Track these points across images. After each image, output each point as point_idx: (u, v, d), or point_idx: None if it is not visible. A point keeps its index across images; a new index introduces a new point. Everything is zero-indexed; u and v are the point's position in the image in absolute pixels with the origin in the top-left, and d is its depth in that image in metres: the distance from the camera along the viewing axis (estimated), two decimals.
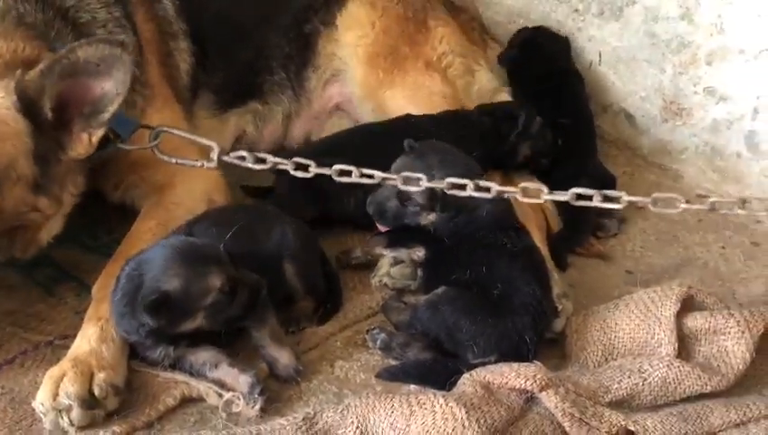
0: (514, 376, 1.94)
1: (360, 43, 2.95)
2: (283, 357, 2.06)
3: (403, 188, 2.14)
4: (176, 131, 2.30)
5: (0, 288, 2.33)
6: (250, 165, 2.23)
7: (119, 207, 2.60)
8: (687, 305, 2.16)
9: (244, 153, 2.25)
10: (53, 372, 1.88)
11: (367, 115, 3.01)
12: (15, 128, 2.05)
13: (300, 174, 2.13)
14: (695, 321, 2.12)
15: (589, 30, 3.27)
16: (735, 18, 2.85)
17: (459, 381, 1.99)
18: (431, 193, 2.15)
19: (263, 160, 2.22)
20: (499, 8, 3.51)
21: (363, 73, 2.97)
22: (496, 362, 2.02)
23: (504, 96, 3.14)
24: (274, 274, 2.22)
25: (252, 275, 2.01)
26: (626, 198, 2.02)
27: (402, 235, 2.31)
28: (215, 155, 2.25)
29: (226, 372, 1.99)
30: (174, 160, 2.30)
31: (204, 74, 2.84)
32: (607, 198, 2.02)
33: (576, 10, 3.29)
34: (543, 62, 3.18)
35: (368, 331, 2.18)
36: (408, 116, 2.72)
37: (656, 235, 2.79)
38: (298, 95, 3.08)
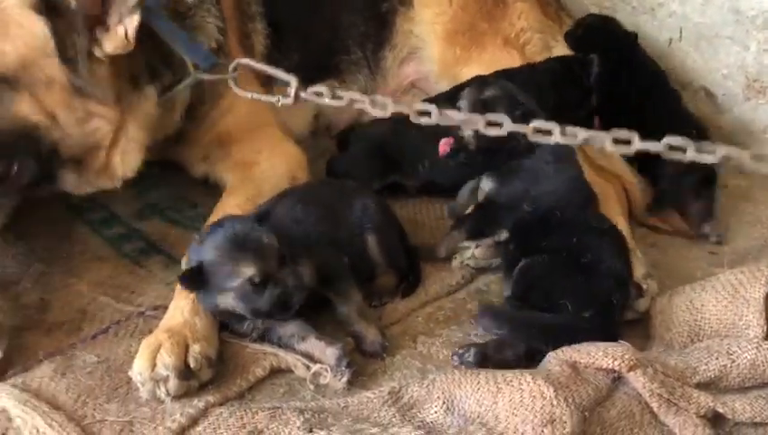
0: (602, 356, 1.92)
1: (438, 20, 2.95)
2: (370, 333, 2.08)
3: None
4: (255, 64, 2.27)
5: (91, 260, 2.39)
6: (327, 101, 2.22)
7: (200, 181, 2.66)
8: None
9: (321, 89, 2.24)
10: (149, 342, 1.92)
11: None
12: (27, 27, 2.01)
13: (378, 112, 2.09)
14: None
15: (670, 6, 3.20)
16: None
17: (545, 360, 1.98)
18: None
19: (339, 97, 2.20)
20: None
21: (440, 51, 2.98)
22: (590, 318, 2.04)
23: None
24: (358, 248, 2.25)
25: (295, 276, 1.97)
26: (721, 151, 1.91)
27: (481, 221, 2.30)
28: (292, 90, 2.25)
29: (314, 345, 2.01)
30: (250, 95, 2.28)
31: (280, 55, 2.85)
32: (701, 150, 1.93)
33: None
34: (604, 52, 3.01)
35: (454, 355, 2.09)
36: (479, 76, 2.66)
37: (739, 216, 2.74)
38: (374, 73, 3.10)
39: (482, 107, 2.15)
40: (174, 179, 2.75)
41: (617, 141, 1.75)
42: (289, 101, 2.19)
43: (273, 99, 2.24)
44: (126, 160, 2.26)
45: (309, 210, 2.20)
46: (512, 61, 2.90)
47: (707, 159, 1.82)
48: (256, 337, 2.06)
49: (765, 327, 2.04)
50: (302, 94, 2.17)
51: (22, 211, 2.43)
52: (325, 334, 2.05)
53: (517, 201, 2.28)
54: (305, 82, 2.90)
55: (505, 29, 2.96)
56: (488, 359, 2.04)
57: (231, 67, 2.26)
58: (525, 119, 1.77)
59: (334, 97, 2.11)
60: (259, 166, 2.50)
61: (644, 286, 2.21)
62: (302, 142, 2.76)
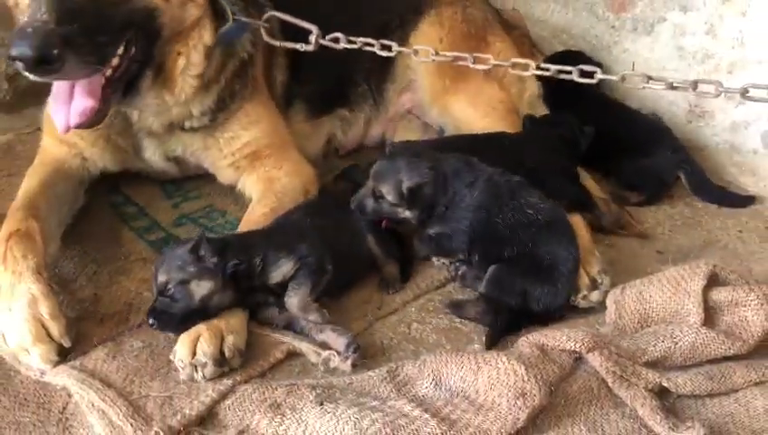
0: (565, 339, 1.95)
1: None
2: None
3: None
4: (283, 16, 2.34)
5: (136, 261, 2.40)
6: (343, 45, 2.28)
7: (227, 190, 2.68)
8: (712, 281, 2.13)
9: (338, 35, 2.29)
10: (190, 333, 1.93)
11: (434, 117, 3.03)
12: None
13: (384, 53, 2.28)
14: (719, 294, 2.09)
15: (624, 43, 3.21)
16: (754, 33, 2.77)
17: (517, 343, 2.01)
18: (399, 192, 2.18)
19: (353, 42, 2.28)
20: (545, 25, 3.47)
21: (431, 82, 2.97)
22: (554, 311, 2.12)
23: None
24: (361, 245, 2.29)
25: (176, 296, 1.98)
26: (599, 75, 2.10)
27: (442, 240, 2.28)
28: (313, 38, 2.28)
29: (328, 335, 2.03)
30: (278, 44, 2.37)
31: (297, 86, 2.87)
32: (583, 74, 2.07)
33: (613, 26, 3.23)
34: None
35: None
36: (504, 133, 2.70)
37: (682, 220, 2.75)
38: (377, 103, 3.10)
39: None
40: (204, 191, 2.78)
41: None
42: (310, 47, 2.26)
43: (297, 45, 2.29)
44: (185, 71, 2.33)
45: (315, 221, 2.23)
46: (492, 90, 2.93)
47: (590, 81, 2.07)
48: (280, 325, 2.09)
49: (703, 315, 2.06)
50: (321, 41, 2.28)
51: (78, 220, 2.48)
52: (339, 325, 2.08)
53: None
54: (318, 110, 2.98)
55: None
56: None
57: (264, 18, 2.32)
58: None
59: (349, 42, 2.20)
60: (280, 181, 2.51)
61: (598, 280, 2.23)
62: (314, 162, 2.76)
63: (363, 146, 3.17)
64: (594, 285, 2.22)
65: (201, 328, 1.94)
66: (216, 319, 1.98)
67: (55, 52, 1.89)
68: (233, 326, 1.98)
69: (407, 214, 2.23)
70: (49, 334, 1.93)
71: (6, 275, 2.00)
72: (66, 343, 1.95)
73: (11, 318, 1.93)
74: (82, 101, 2.10)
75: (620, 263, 2.47)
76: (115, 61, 2.13)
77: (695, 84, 1.96)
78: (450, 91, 2.94)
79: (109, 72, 2.13)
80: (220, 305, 2.00)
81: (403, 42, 2.98)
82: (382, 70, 3.01)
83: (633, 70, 3.20)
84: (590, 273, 2.24)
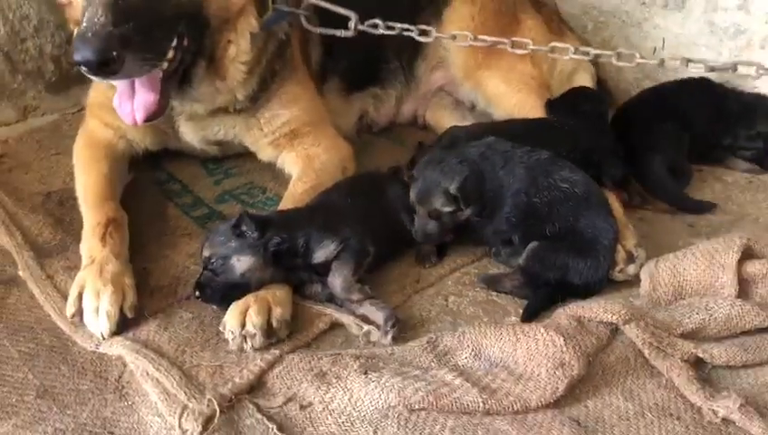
0: (602, 311, 1.94)
1: None
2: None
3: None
4: (322, 3, 2.34)
5: (182, 236, 2.43)
6: (382, 31, 2.27)
7: (266, 167, 2.69)
8: (746, 254, 2.10)
9: (377, 21, 2.29)
10: (239, 305, 1.95)
11: (466, 93, 3.02)
12: None
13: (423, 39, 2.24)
14: (753, 267, 2.07)
15: (654, 19, 3.15)
16: None
17: (554, 314, 2.00)
18: (452, 198, 2.15)
19: (392, 28, 2.28)
20: (574, 2, 3.40)
21: (464, 59, 2.95)
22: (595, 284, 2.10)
23: (580, 75, 3.09)
24: (397, 222, 2.28)
25: (219, 271, 2.02)
26: (593, 51, 2.10)
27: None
28: (352, 24, 2.28)
29: (368, 309, 2.04)
30: (320, 30, 2.38)
31: (331, 62, 2.86)
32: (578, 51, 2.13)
33: (643, 3, 3.17)
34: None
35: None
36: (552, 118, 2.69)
37: (712, 194, 2.71)
38: (408, 80, 3.08)
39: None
40: (244, 169, 2.79)
41: None
42: (350, 33, 2.26)
43: (336, 32, 2.30)
44: (235, 60, 2.35)
45: (355, 198, 2.24)
46: (524, 66, 2.89)
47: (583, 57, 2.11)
48: (323, 299, 2.10)
49: (737, 287, 2.04)
50: (360, 27, 2.27)
51: (125, 196, 2.50)
52: (378, 298, 2.08)
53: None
54: (351, 87, 2.96)
55: None
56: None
57: (303, 6, 2.33)
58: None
59: (388, 28, 2.20)
60: (319, 158, 2.52)
61: (635, 253, 2.21)
62: (348, 138, 2.76)
63: (395, 123, 3.15)
64: (630, 258, 2.20)
65: (250, 300, 1.96)
66: (264, 291, 2.00)
67: (114, 54, 1.94)
68: (279, 299, 2.00)
69: (467, 213, 2.20)
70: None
71: (105, 251, 2.10)
72: (130, 314, 2.00)
73: (99, 281, 2.01)
74: (144, 96, 2.16)
75: (653, 237, 2.44)
76: (170, 54, 2.15)
77: (734, 66, 1.91)
78: (483, 67, 2.91)
79: (165, 65, 2.16)
80: (261, 281, 2.02)
81: (435, 18, 2.97)
82: (414, 47, 2.97)
83: (663, 46, 3.15)
84: (625, 246, 2.22)
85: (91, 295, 1.98)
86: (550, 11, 3.33)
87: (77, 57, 1.95)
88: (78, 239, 2.22)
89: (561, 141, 2.39)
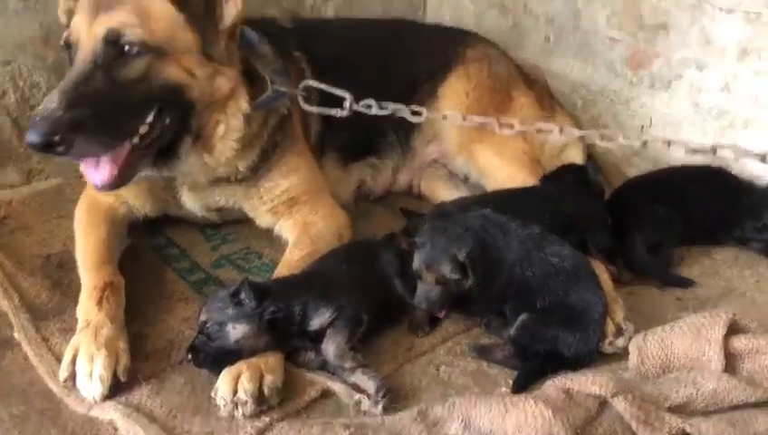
0: (591, 384, 1.95)
1: (457, 109, 2.99)
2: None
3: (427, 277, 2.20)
4: (317, 84, 2.41)
5: (178, 301, 2.45)
6: (375, 111, 2.32)
7: (263, 233, 2.73)
8: (732, 329, 2.13)
9: (370, 101, 2.34)
10: (231, 371, 1.96)
11: (459, 166, 3.09)
12: (165, 10, 2.23)
13: (415, 118, 2.29)
14: (739, 342, 2.09)
15: (641, 98, 3.25)
16: (766, 91, 2.82)
17: (544, 386, 2.02)
18: (459, 265, 2.17)
19: (385, 108, 2.32)
20: (565, 81, 3.52)
21: (458, 133, 3.03)
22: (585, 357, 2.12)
23: (570, 150, 3.18)
24: (389, 290, 2.31)
25: (214, 337, 2.04)
26: (577, 132, 2.13)
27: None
28: (347, 104, 2.33)
29: (359, 378, 2.05)
30: (316, 110, 2.42)
31: (330, 134, 2.93)
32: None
33: (630, 82, 3.28)
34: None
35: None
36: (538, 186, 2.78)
37: (700, 269, 2.75)
38: (405, 152, 3.16)
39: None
40: (242, 235, 2.83)
41: None
42: (345, 112, 2.32)
43: (332, 111, 2.36)
44: (226, 137, 2.39)
45: (350, 265, 2.28)
46: (515, 142, 2.96)
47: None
48: (316, 367, 2.11)
49: (724, 362, 2.06)
50: (355, 107, 2.33)
51: (123, 260, 2.53)
52: (370, 367, 2.09)
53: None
54: (349, 158, 3.04)
55: (510, 117, 3.02)
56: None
57: (300, 86, 2.38)
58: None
59: (381, 108, 2.25)
60: (316, 225, 2.57)
61: (623, 327, 2.23)
62: (346, 206, 2.82)
63: (391, 192, 3.22)
64: (620, 331, 2.23)
65: (242, 367, 1.97)
66: (256, 358, 2.01)
67: (57, 138, 2.04)
68: (271, 366, 2.01)
69: (470, 282, 2.22)
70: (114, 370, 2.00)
71: (101, 315, 2.13)
72: (123, 378, 2.01)
73: (94, 345, 2.02)
74: (105, 166, 2.23)
75: (641, 310, 2.47)
76: (143, 129, 2.23)
77: (714, 149, 1.98)
78: (475, 141, 2.99)
79: (136, 139, 2.23)
80: (255, 349, 2.04)
81: (431, 95, 3.08)
82: (410, 122, 3.03)
83: (650, 124, 3.25)
84: (614, 319, 2.25)
85: (85, 359, 1.99)
86: (541, 88, 3.44)
87: (27, 139, 2.07)
88: (75, 302, 2.24)
89: (543, 208, 2.48)
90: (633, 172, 3.29)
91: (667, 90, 3.15)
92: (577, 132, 2.13)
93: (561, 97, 3.52)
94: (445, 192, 3.13)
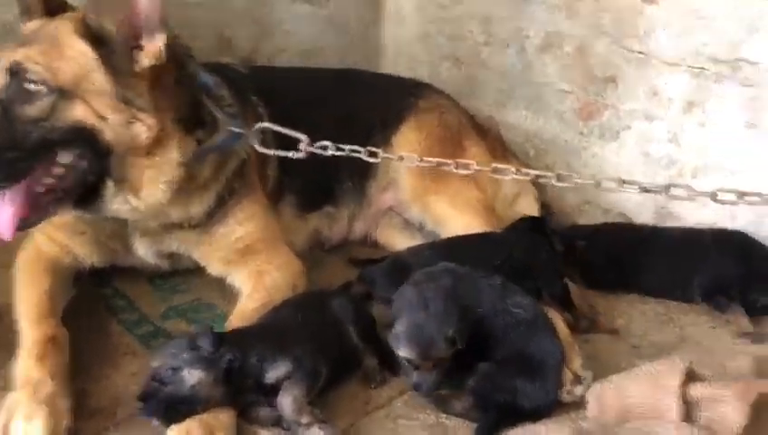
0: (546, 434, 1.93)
1: None
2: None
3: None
4: (273, 126, 2.36)
5: (124, 355, 2.35)
6: (332, 152, 2.29)
7: (215, 283, 2.65)
8: (689, 377, 2.14)
9: (326, 143, 2.30)
10: (180, 429, 1.88)
11: (415, 214, 3.08)
12: (78, 49, 2.13)
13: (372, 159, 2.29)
14: (696, 390, 2.08)
15: (592, 148, 3.32)
16: (712, 142, 2.90)
17: None
18: (450, 341, 2.10)
19: (342, 149, 2.30)
20: (518, 131, 3.58)
21: (412, 182, 3.03)
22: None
23: (524, 198, 3.20)
24: (343, 338, 2.26)
25: (169, 385, 1.95)
26: (533, 172, 2.13)
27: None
28: (303, 146, 2.29)
29: (315, 433, 1.97)
30: (272, 152, 2.38)
31: (288, 181, 2.90)
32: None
33: (581, 133, 3.35)
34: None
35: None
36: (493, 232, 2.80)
37: (654, 316, 2.78)
38: (360, 200, 3.14)
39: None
40: (192, 285, 2.75)
41: None
42: (301, 154, 2.27)
43: (288, 153, 2.32)
44: (154, 181, 2.27)
45: (304, 316, 2.23)
46: (469, 191, 2.98)
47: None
48: (270, 423, 2.03)
49: (683, 411, 2.05)
50: (309, 148, 2.29)
51: (67, 312, 2.42)
52: (328, 421, 2.02)
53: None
54: (306, 205, 3.00)
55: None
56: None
57: (255, 128, 2.33)
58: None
59: (338, 149, 2.20)
60: (270, 275, 2.50)
61: (581, 375, 2.22)
62: (301, 256, 2.75)
63: (347, 241, 3.19)
64: (577, 379, 2.21)
65: (191, 425, 1.88)
66: (207, 415, 1.93)
67: None
68: (222, 422, 1.92)
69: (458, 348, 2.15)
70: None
71: (41, 372, 2.02)
72: None
73: (33, 404, 1.92)
74: (5, 211, 2.14)
75: (597, 358, 2.46)
76: (59, 171, 2.16)
77: (667, 188, 2.02)
78: (430, 190, 2.99)
79: (50, 180, 2.16)
80: (209, 399, 1.95)
81: (385, 143, 3.07)
82: (366, 168, 3.04)
83: (601, 173, 3.30)
84: (572, 368, 2.24)
85: (23, 420, 1.87)
86: (494, 138, 3.48)
87: None
88: (15, 357, 2.12)
89: (495, 253, 2.51)
90: (584, 220, 3.35)
91: (616, 139, 3.23)
92: (533, 172, 2.13)
93: (515, 147, 3.58)
94: (400, 240, 3.11)
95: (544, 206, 3.39)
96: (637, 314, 2.80)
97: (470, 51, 3.71)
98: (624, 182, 2.15)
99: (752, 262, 2.76)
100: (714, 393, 2.07)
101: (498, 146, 3.45)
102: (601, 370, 2.31)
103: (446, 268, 2.29)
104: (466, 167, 2.15)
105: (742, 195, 1.86)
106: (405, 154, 2.42)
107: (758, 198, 1.78)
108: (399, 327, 2.12)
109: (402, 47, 4.02)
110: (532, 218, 2.92)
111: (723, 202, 1.98)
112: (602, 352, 2.53)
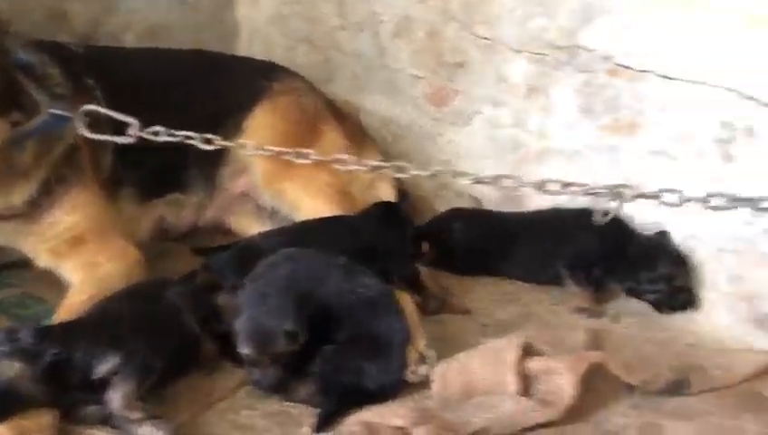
0: (392, 415, 1.93)
1: (263, 142, 2.93)
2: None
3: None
4: (100, 109, 2.21)
5: None
6: (164, 138, 2.16)
7: (45, 276, 2.47)
8: (527, 351, 2.22)
9: (158, 128, 2.17)
10: None
11: (267, 200, 3.00)
12: None
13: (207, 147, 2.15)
14: (533, 364, 2.16)
15: (447, 134, 3.36)
16: (554, 126, 3.01)
17: (346, 422, 1.96)
18: (290, 336, 2.06)
19: (173, 135, 2.18)
20: (375, 117, 3.56)
21: (265, 168, 2.94)
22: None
23: (380, 184, 3.19)
24: (183, 329, 2.15)
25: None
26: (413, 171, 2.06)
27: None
28: (133, 130, 2.15)
29: (148, 430, 1.87)
30: (98, 137, 2.22)
31: (126, 169, 2.72)
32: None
33: (435, 118, 3.37)
34: None
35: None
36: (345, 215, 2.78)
37: (502, 295, 2.86)
38: (210, 186, 3.01)
39: None
40: (21, 278, 2.56)
41: None
42: (130, 140, 2.13)
43: (115, 138, 2.17)
44: None
45: (134, 307, 2.11)
46: (323, 175, 2.91)
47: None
48: (97, 422, 1.91)
49: (521, 385, 2.12)
50: (140, 133, 2.16)
51: None
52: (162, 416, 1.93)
53: None
54: (148, 193, 2.85)
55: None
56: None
57: (80, 111, 2.17)
58: None
59: (170, 135, 2.08)
60: (103, 266, 2.36)
61: (426, 354, 2.24)
62: (144, 245, 2.62)
63: (198, 228, 3.06)
64: (422, 358, 2.23)
65: (4, 430, 1.73)
66: (25, 418, 1.78)
67: None
68: (41, 425, 1.79)
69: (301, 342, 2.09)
70: None
71: None
72: None
73: None
74: None
75: (447, 338, 2.50)
76: None
77: (495, 179, 2.04)
78: (283, 175, 2.91)
79: None
80: (29, 397, 1.81)
81: (237, 128, 2.96)
82: (217, 154, 2.90)
83: (457, 158, 3.35)
84: (417, 347, 2.24)
85: None
86: (352, 123, 3.46)
87: None
88: None
89: (345, 236, 2.51)
90: (442, 205, 3.39)
91: (467, 125, 3.28)
92: (373, 163, 2.11)
93: (373, 132, 3.56)
94: (255, 227, 3.01)
95: (403, 191, 3.41)
96: (486, 293, 2.87)
97: (325, 34, 3.66)
98: (456, 175, 2.15)
99: (615, 242, 2.81)
100: (549, 367, 2.16)
101: (357, 131, 3.42)
102: (451, 349, 2.33)
103: (286, 255, 2.24)
104: (306, 157, 2.10)
105: (566, 185, 1.91)
106: (246, 142, 2.32)
107: (579, 189, 1.84)
108: (238, 324, 2.07)
109: (257, 29, 3.91)
110: (386, 204, 2.92)
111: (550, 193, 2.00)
112: (453, 331, 2.57)
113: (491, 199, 3.25)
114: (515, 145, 3.14)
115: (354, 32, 3.56)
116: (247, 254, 2.49)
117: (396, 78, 3.45)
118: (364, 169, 2.09)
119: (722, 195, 1.61)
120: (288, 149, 2.18)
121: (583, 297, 2.78)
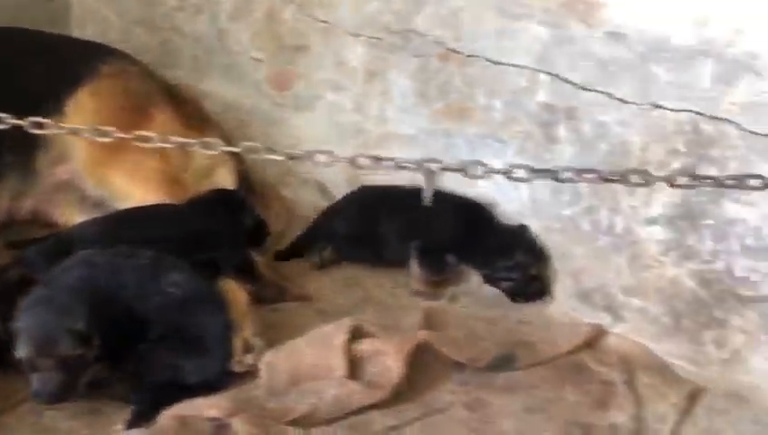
0: (206, 406, 1.86)
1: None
2: None
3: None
4: None
5: None
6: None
7: None
8: (359, 334, 2.20)
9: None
10: None
11: (91, 188, 2.79)
12: None
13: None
14: (362, 346, 2.16)
15: (291, 119, 3.28)
16: (393, 110, 3.00)
17: (159, 418, 1.86)
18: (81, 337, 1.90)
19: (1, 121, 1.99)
20: (216, 101, 3.40)
21: (87, 154, 2.74)
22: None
23: (219, 170, 3.06)
24: None
25: None
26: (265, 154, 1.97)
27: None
28: None
29: None
30: None
31: None
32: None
33: (277, 103, 3.29)
34: None
35: None
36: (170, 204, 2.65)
37: (343, 280, 2.82)
38: (26, 174, 2.78)
39: None
40: None
41: None
42: None
43: None
44: None
45: None
46: (151, 162, 2.75)
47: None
48: None
49: (348, 368, 2.10)
50: None
51: None
52: None
53: None
54: None
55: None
56: None
57: None
58: None
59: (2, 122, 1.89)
60: None
61: (252, 343, 2.18)
62: None
63: (15, 220, 2.82)
64: (248, 347, 2.16)
65: None
66: None
67: None
68: None
69: (96, 349, 1.93)
70: None
71: None
72: None
73: None
74: None
75: (283, 325, 2.43)
76: None
77: (353, 159, 1.98)
78: (107, 162, 2.73)
79: None
80: None
81: (57, 111, 2.72)
82: (32, 139, 2.65)
83: (300, 143, 3.28)
84: (243, 336, 2.18)
85: None
86: (192, 108, 3.30)
87: None
88: None
89: (170, 225, 2.41)
90: (288, 192, 3.32)
91: (310, 110, 3.22)
92: (179, 140, 1.98)
93: (216, 117, 3.39)
94: (80, 217, 2.80)
95: (244, 180, 3.30)
96: (327, 279, 2.83)
97: (163, 16, 3.48)
98: (291, 158, 2.08)
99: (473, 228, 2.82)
100: (377, 348, 2.16)
101: (197, 117, 3.26)
102: (287, 336, 2.28)
103: (81, 258, 2.10)
104: (108, 135, 1.96)
105: (377, 160, 1.90)
106: (75, 127, 2.13)
107: (392, 163, 1.83)
108: (18, 323, 1.89)
109: (90, 9, 3.67)
110: (221, 191, 2.82)
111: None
112: (289, 318, 2.50)
113: (336, 185, 3.21)
114: (357, 130, 3.11)
115: (192, 13, 3.40)
116: (61, 246, 2.33)
117: (237, 61, 3.33)
118: (170, 146, 1.97)
119: (522, 166, 1.64)
120: (127, 136, 2.01)
121: (418, 281, 2.80)
